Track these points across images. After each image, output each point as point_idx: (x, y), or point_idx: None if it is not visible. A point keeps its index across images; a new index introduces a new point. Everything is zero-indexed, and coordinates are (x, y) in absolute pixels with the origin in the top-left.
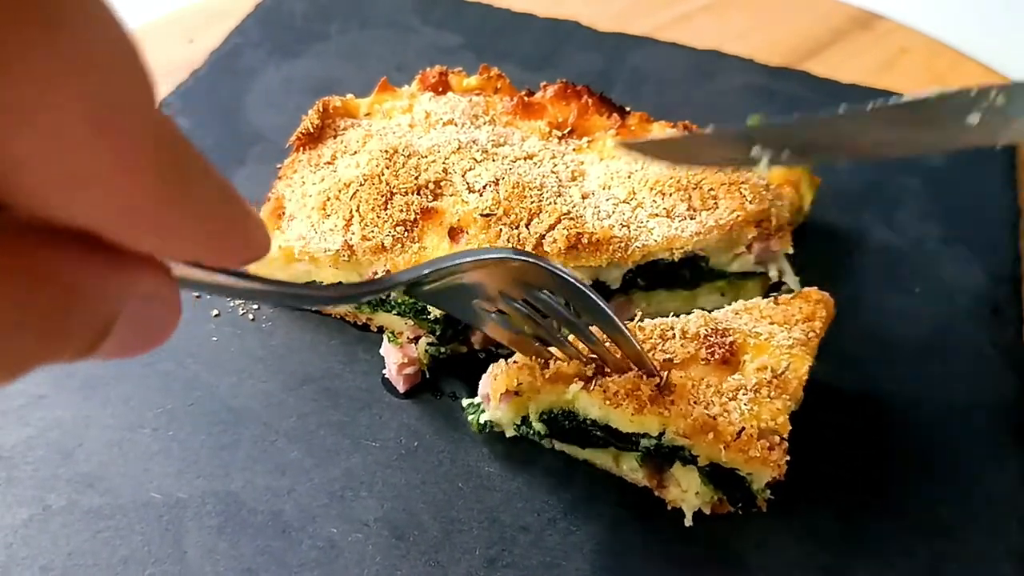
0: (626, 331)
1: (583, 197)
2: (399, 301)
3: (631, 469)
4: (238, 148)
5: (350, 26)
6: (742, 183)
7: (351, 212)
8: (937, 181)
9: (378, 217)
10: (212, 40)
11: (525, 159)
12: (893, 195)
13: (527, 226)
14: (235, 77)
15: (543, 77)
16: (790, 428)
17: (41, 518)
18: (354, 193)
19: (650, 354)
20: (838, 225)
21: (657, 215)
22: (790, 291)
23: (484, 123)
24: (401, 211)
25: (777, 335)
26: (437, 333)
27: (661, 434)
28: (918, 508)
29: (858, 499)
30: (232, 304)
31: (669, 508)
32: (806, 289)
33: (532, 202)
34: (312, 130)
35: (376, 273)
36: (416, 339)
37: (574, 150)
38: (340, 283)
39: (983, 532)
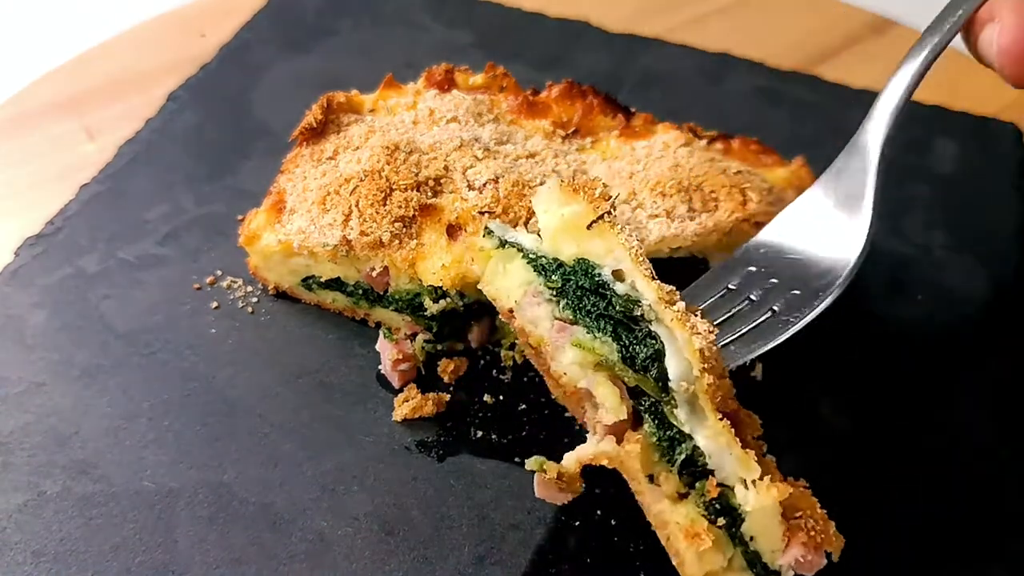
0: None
1: None
2: (395, 296)
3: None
4: (244, 142)
5: (361, 22)
6: (744, 185)
7: (350, 207)
8: (946, 189)
9: (377, 213)
10: (224, 35)
11: (527, 157)
12: (900, 202)
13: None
14: (244, 71)
15: (552, 76)
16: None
17: (35, 504)
18: (354, 188)
19: None
20: None
21: (657, 216)
22: None
23: (488, 121)
24: (400, 207)
25: None
26: (433, 330)
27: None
28: (911, 520)
29: (851, 509)
30: (232, 296)
31: None
32: None
33: (531, 200)
34: (315, 125)
35: (374, 270)
36: (412, 336)
37: (577, 150)
38: None
39: (978, 547)
